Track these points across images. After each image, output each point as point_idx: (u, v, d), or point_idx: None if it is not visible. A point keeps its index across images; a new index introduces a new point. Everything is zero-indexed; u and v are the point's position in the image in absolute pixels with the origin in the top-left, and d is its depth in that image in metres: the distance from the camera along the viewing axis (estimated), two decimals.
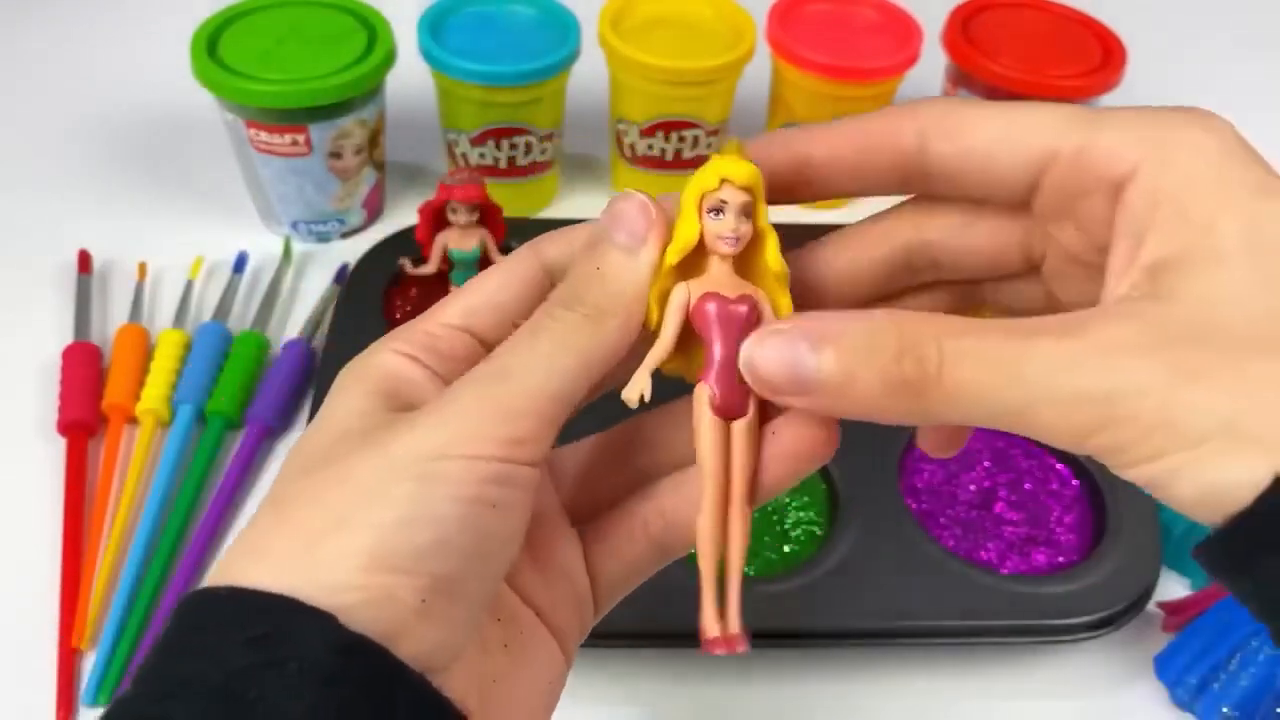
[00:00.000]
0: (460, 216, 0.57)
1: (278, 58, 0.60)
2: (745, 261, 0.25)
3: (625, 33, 0.65)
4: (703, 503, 0.25)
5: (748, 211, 0.25)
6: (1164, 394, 0.19)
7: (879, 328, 0.22)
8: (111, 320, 0.60)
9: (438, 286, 0.61)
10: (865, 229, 0.28)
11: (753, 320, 0.25)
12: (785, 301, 0.26)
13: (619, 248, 0.25)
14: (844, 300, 0.27)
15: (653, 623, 0.45)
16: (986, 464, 0.54)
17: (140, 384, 0.56)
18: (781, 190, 0.26)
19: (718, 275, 0.25)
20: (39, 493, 0.53)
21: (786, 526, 0.50)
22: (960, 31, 0.68)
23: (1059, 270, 0.25)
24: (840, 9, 0.69)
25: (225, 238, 0.65)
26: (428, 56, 0.63)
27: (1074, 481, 0.53)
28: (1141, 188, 0.22)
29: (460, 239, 0.58)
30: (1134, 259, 0.21)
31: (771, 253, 0.25)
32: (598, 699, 0.48)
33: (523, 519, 0.24)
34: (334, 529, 0.21)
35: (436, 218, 0.58)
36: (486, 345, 0.25)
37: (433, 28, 0.64)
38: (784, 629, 0.45)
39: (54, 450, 0.53)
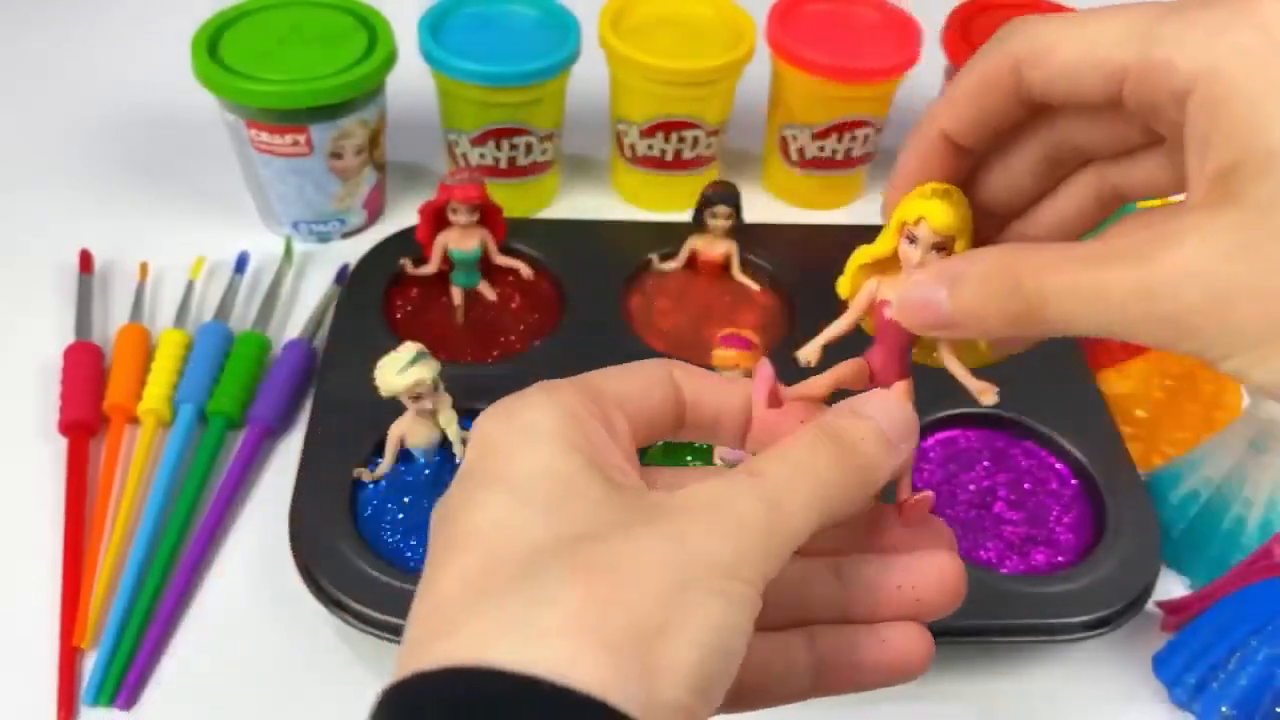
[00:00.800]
0: (461, 216, 0.57)
1: (278, 58, 0.61)
2: None
3: (625, 33, 0.65)
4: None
5: (942, 247, 0.27)
6: (1220, 312, 0.21)
7: (992, 270, 0.24)
8: (113, 320, 0.60)
9: (438, 287, 0.61)
10: (1007, 150, 0.29)
11: None
12: None
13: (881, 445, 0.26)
14: (1014, 211, 0.29)
15: None
16: (986, 464, 0.54)
17: (141, 384, 0.56)
18: (966, 186, 0.28)
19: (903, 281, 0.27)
20: (40, 492, 0.53)
21: None
22: (960, 32, 0.68)
23: (1175, 149, 0.26)
24: (840, 9, 0.69)
25: (226, 238, 0.66)
26: (428, 57, 0.63)
27: (1073, 481, 0.53)
28: (1200, 98, 0.22)
29: (461, 239, 0.58)
30: (1203, 169, 0.23)
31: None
32: None
33: None
34: (656, 635, 0.20)
35: (437, 218, 0.58)
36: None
37: (433, 28, 0.64)
38: None
39: (55, 450, 0.54)
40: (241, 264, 0.63)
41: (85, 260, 0.62)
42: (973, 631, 0.46)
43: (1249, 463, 0.49)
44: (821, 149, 0.70)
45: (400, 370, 0.47)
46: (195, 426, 0.55)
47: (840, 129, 0.69)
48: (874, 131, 0.70)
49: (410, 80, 0.66)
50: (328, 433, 0.51)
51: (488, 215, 0.59)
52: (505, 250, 0.60)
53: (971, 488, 0.53)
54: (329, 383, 0.54)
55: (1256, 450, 0.48)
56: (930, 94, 0.72)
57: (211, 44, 0.61)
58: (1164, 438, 0.57)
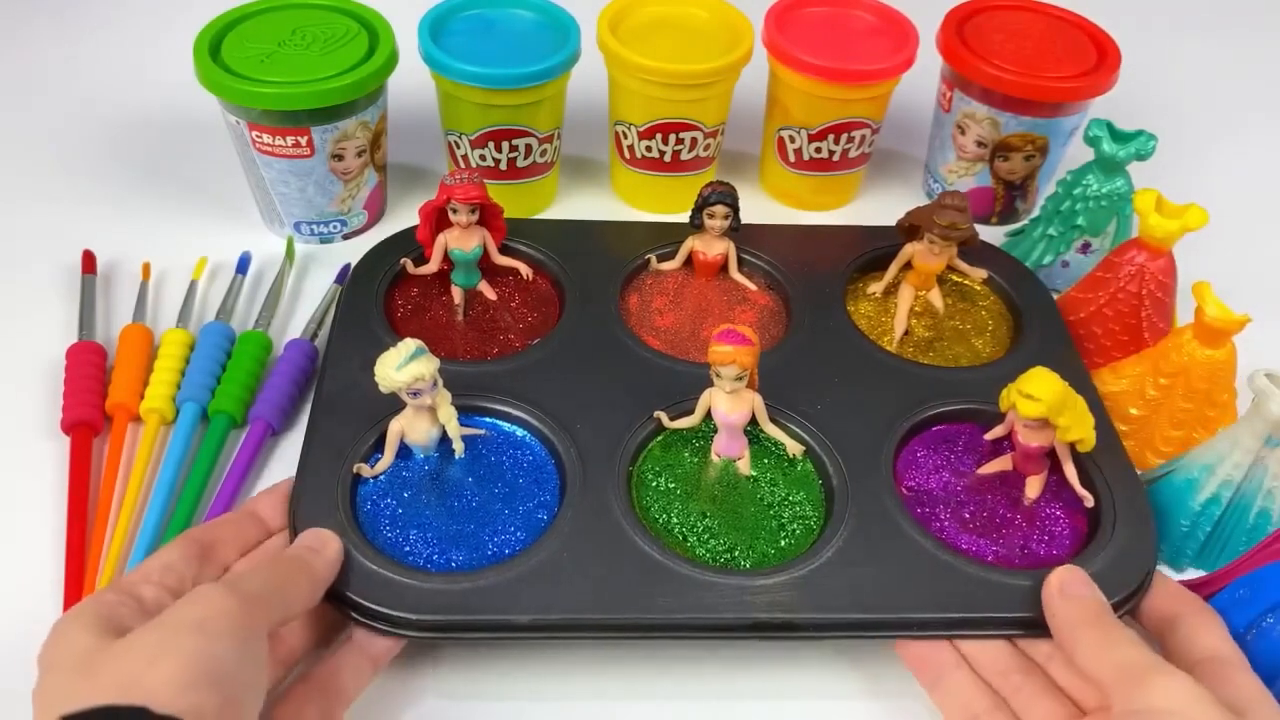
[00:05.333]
0: (461, 216, 0.58)
1: (280, 60, 0.61)
2: None
3: (624, 36, 0.66)
4: None
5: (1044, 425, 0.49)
6: None
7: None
8: (115, 320, 0.61)
9: (438, 286, 0.61)
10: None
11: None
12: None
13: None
14: None
15: (647, 614, 0.45)
16: (982, 459, 0.54)
17: (144, 383, 0.56)
18: None
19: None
20: (43, 491, 0.53)
21: (783, 520, 0.51)
22: (956, 34, 0.69)
23: None
24: (837, 12, 0.70)
25: (228, 239, 0.66)
26: (428, 59, 0.64)
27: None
28: None
29: (461, 239, 0.59)
30: None
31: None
32: (596, 694, 0.48)
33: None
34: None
35: (437, 218, 0.59)
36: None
37: (433, 31, 0.65)
38: (778, 621, 0.46)
39: (58, 449, 0.54)
40: (244, 264, 0.64)
41: (88, 260, 0.62)
42: (969, 624, 0.47)
43: (1268, 458, 0.50)
44: (819, 150, 0.70)
45: (399, 365, 0.47)
46: (197, 425, 0.56)
47: (837, 130, 0.69)
48: (871, 133, 0.70)
49: (411, 82, 0.67)
50: (328, 429, 0.52)
51: (488, 215, 0.59)
52: (505, 250, 0.61)
53: (967, 483, 0.53)
54: (330, 380, 0.54)
55: (1273, 446, 0.49)
56: (927, 96, 0.73)
57: (213, 46, 0.62)
58: (1158, 435, 0.57)
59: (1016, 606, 0.47)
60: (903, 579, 0.47)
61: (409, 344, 0.48)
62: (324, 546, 0.45)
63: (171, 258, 0.64)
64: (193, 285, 0.62)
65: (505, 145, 0.66)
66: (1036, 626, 0.46)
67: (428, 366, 0.48)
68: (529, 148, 0.67)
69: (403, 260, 0.60)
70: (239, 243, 0.66)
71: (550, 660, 0.49)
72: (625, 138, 0.69)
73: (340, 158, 0.64)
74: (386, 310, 0.59)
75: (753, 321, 0.61)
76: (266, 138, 0.62)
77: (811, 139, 0.69)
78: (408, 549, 0.48)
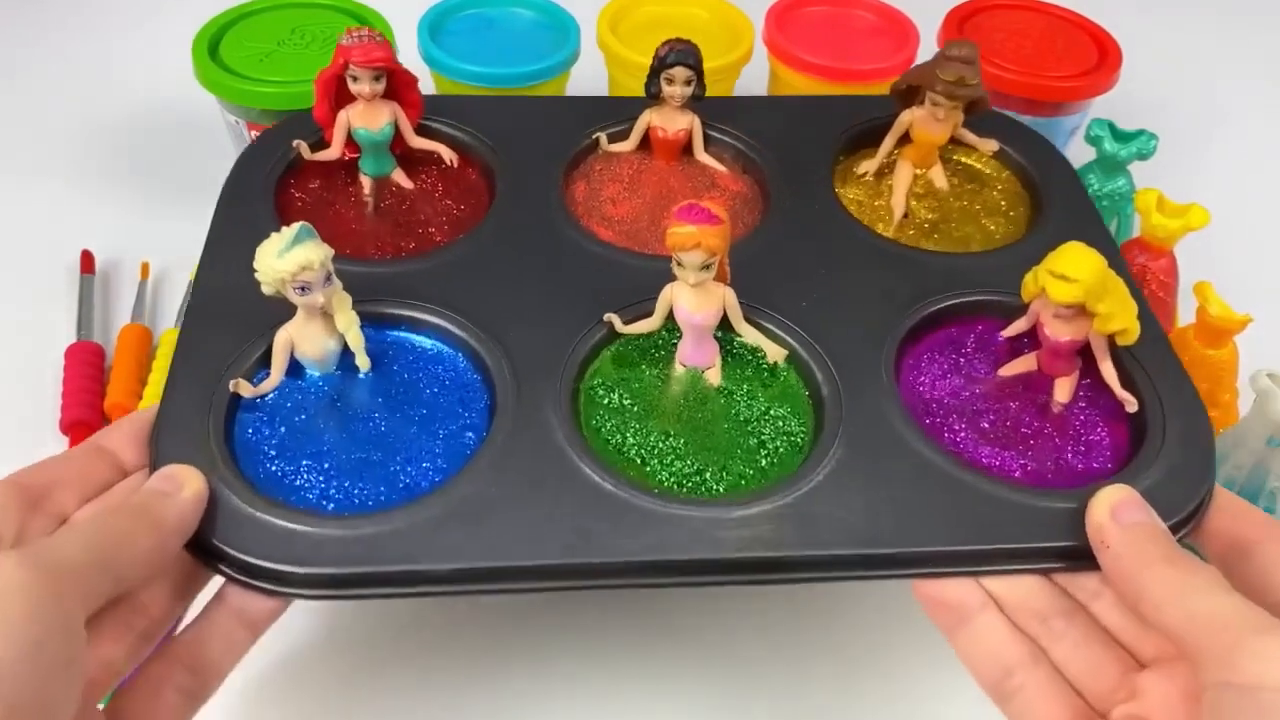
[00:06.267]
0: (363, 86, 0.47)
1: (279, 60, 0.60)
2: None
3: (624, 34, 0.65)
4: None
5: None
6: None
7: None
8: (114, 320, 0.59)
9: (344, 175, 0.51)
10: None
11: None
12: None
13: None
14: None
15: (598, 557, 0.37)
16: (999, 360, 0.45)
17: (143, 383, 0.54)
18: None
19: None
20: None
21: (763, 438, 0.41)
22: (957, 33, 0.67)
23: None
24: (837, 11, 0.69)
25: None
26: (427, 58, 0.62)
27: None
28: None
29: (366, 115, 0.49)
30: None
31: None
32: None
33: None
34: None
35: (337, 89, 0.48)
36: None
37: (432, 30, 0.64)
38: (762, 559, 0.37)
39: (56, 449, 0.51)
40: None
41: (87, 260, 0.61)
42: (992, 557, 0.38)
43: (1271, 459, 0.48)
44: None
45: (281, 251, 0.38)
46: None
47: None
48: None
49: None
50: (199, 341, 0.42)
51: (398, 86, 0.49)
52: (423, 131, 0.51)
53: (983, 388, 0.44)
54: (205, 283, 0.45)
55: (1275, 446, 0.47)
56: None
57: (212, 45, 0.61)
58: None
59: (1054, 534, 0.38)
60: (913, 503, 0.39)
61: (292, 228, 0.38)
62: (178, 487, 0.36)
63: (170, 258, 0.61)
64: (192, 285, 0.54)
65: None
66: (1080, 558, 0.37)
67: (317, 253, 0.38)
68: None
69: (295, 142, 0.50)
70: None
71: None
72: None
73: None
74: (280, 205, 0.49)
75: (724, 208, 0.51)
76: None
77: None
78: (298, 483, 0.39)
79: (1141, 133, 0.60)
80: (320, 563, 0.36)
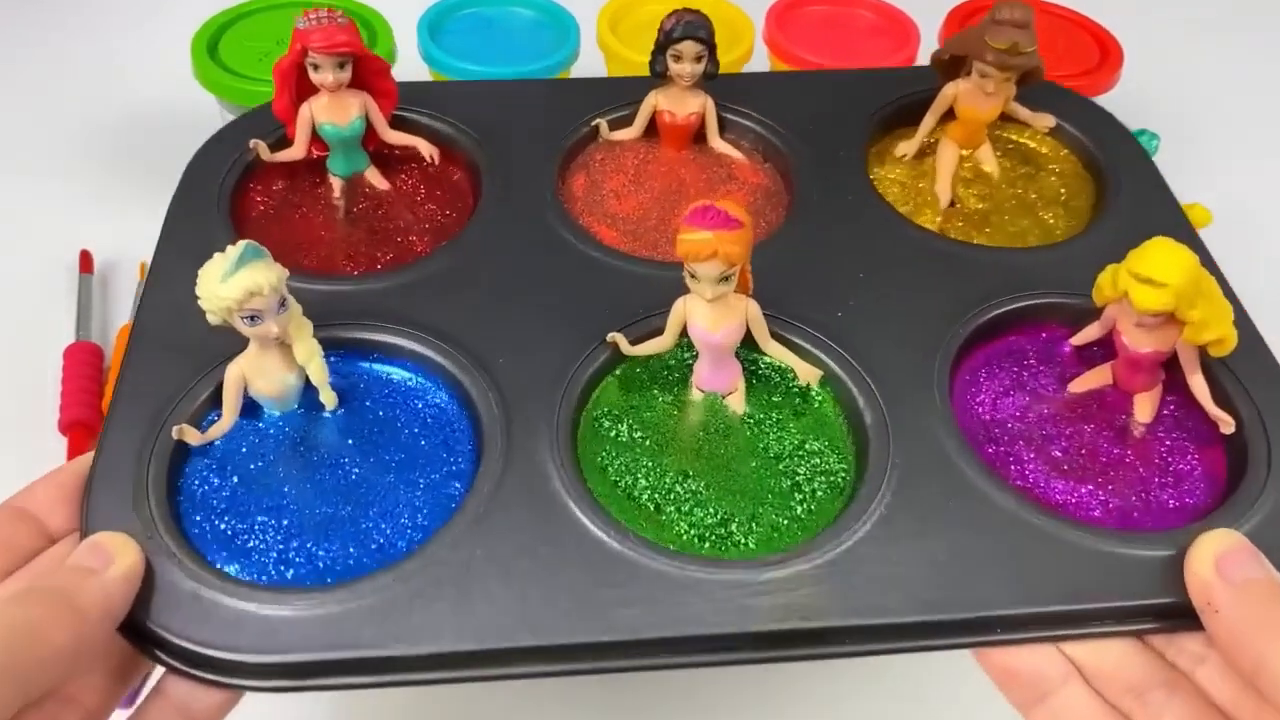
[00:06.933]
0: (326, 75, 0.42)
1: (278, 59, 0.55)
2: None
3: (624, 34, 0.63)
4: None
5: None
6: None
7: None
8: (113, 320, 0.59)
9: (312, 176, 0.45)
10: None
11: None
12: None
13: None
14: None
15: (603, 634, 0.31)
16: (1066, 373, 0.39)
17: None
18: None
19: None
20: None
21: (798, 479, 0.35)
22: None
23: None
24: (838, 10, 0.68)
25: None
26: (427, 58, 0.61)
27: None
28: None
29: (332, 109, 0.43)
30: None
31: None
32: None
33: None
34: None
35: (297, 80, 0.43)
36: None
37: (432, 29, 0.62)
38: (799, 631, 0.31)
39: (55, 449, 0.51)
40: None
41: (86, 260, 0.60)
42: (1084, 619, 0.32)
43: None
44: None
45: (225, 275, 0.32)
46: None
47: None
48: None
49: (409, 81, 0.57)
50: (140, 380, 0.37)
51: (368, 74, 0.43)
52: (399, 124, 0.45)
53: (1051, 408, 0.38)
54: (147, 312, 0.39)
55: None
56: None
57: (211, 44, 0.60)
58: None
59: (1147, 589, 0.32)
60: (977, 555, 0.33)
61: (239, 246, 0.33)
62: (107, 563, 0.30)
63: None
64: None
65: None
66: (1179, 615, 0.31)
67: (267, 275, 0.33)
68: None
69: (253, 142, 0.44)
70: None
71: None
72: None
73: None
74: (238, 211, 0.43)
75: (744, 204, 0.45)
76: None
77: None
78: (252, 544, 0.33)
79: (1143, 132, 0.58)
80: (275, 649, 0.30)
